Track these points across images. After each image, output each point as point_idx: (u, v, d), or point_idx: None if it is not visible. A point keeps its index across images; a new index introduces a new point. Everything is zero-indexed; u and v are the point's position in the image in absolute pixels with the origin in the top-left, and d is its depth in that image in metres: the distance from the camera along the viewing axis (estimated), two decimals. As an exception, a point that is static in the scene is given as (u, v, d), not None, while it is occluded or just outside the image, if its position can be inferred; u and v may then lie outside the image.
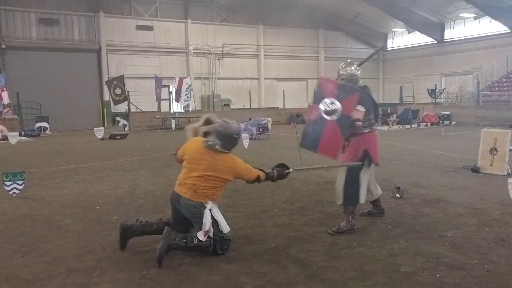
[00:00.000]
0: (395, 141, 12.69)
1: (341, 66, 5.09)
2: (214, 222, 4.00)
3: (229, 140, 4.14)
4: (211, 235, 3.97)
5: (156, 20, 27.81)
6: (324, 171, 8.58)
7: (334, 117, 4.57)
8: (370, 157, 4.86)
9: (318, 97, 4.74)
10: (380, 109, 5.34)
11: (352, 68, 5.02)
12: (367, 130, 4.86)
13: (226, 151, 4.14)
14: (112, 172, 8.95)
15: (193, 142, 4.30)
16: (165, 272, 3.68)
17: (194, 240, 3.95)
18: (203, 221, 3.95)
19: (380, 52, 35.72)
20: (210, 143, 4.12)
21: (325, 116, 4.61)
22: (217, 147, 4.10)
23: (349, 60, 5.35)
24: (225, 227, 4.03)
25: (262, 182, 4.35)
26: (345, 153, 4.89)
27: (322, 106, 4.62)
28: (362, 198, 4.84)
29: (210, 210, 4.00)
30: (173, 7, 28.41)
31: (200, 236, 3.95)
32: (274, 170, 4.38)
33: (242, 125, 16.60)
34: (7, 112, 21.07)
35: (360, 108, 4.64)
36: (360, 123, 4.71)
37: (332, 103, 4.57)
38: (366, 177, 4.89)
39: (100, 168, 9.45)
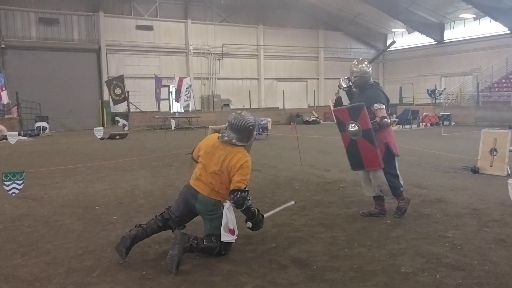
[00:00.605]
0: (395, 142, 12.68)
1: (354, 63, 5.31)
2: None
3: (244, 132, 4.11)
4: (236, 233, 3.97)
5: (156, 20, 27.81)
6: (324, 171, 8.59)
7: (360, 135, 4.93)
8: (390, 150, 5.11)
9: (341, 125, 5.15)
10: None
11: (363, 65, 5.25)
12: None
13: (243, 143, 4.12)
14: (112, 172, 8.95)
15: (207, 139, 4.31)
16: (165, 272, 3.66)
17: (204, 241, 3.94)
18: (225, 220, 3.91)
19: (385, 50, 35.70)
20: (225, 138, 4.10)
21: (354, 137, 5.01)
22: (233, 141, 4.07)
23: (360, 58, 5.52)
24: (235, 229, 4.00)
25: (242, 208, 4.02)
26: None
27: (348, 131, 5.04)
28: (402, 181, 5.27)
29: (228, 209, 3.97)
30: (173, 7, 28.41)
31: (227, 237, 3.91)
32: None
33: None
34: (11, 109, 21.17)
35: (380, 105, 4.99)
36: (387, 120, 5.02)
37: (353, 126, 4.96)
38: (397, 166, 5.27)
39: (100, 168, 9.45)
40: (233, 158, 4.00)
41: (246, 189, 3.99)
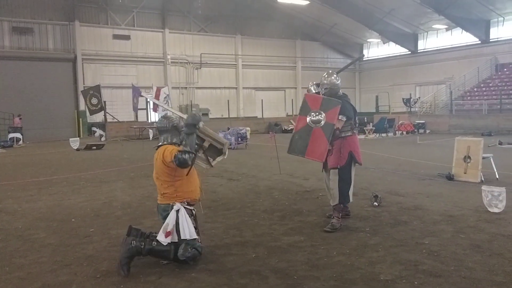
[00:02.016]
0: (372, 150, 12.86)
1: (324, 76, 5.56)
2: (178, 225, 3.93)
3: (171, 130, 4.20)
4: (183, 237, 3.87)
5: (133, 29, 27.64)
6: (303, 180, 8.63)
7: (320, 125, 5.12)
8: (354, 158, 5.33)
9: (305, 110, 5.28)
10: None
11: (333, 78, 5.49)
12: (349, 134, 5.36)
13: (175, 141, 4.14)
14: (88, 184, 8.78)
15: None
16: (144, 285, 3.61)
17: (152, 243, 3.91)
18: (167, 221, 3.90)
19: (357, 62, 36.39)
20: (159, 144, 4.20)
21: (312, 125, 5.17)
22: (168, 140, 4.16)
23: (330, 71, 5.74)
24: (188, 233, 3.89)
25: (187, 156, 3.90)
26: (331, 156, 5.29)
27: (308, 117, 5.19)
28: (351, 197, 5.44)
29: (177, 211, 3.93)
30: (150, 17, 28.30)
31: (161, 237, 3.87)
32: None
33: (221, 135, 16.61)
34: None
35: (342, 118, 5.21)
36: (338, 132, 5.22)
37: (319, 113, 5.15)
38: (353, 178, 5.42)
39: (76, 179, 9.27)
40: (157, 158, 4.08)
41: (176, 153, 3.92)
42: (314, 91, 5.65)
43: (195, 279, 3.74)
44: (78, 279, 3.78)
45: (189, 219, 3.98)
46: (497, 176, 8.17)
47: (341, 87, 5.56)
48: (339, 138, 5.24)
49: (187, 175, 4.10)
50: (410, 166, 10.07)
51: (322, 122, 5.10)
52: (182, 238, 3.88)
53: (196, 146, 4.42)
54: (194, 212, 4.17)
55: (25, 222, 5.84)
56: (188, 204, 4.11)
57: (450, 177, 8.20)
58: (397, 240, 4.67)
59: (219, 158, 4.70)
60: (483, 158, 8.12)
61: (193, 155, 4.01)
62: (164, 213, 4.05)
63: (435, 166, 9.40)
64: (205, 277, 3.77)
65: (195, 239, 3.96)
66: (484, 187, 5.94)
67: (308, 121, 5.17)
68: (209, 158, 4.63)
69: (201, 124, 4.18)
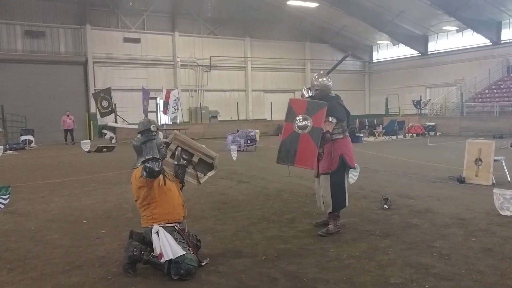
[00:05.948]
0: (382, 152, 12.81)
1: (315, 77, 5.39)
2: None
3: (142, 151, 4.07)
4: (167, 258, 3.77)
5: (143, 32, 27.85)
6: (312, 182, 8.61)
7: (307, 130, 4.87)
8: (345, 162, 5.14)
9: (290, 116, 5.02)
10: (351, 117, 5.62)
11: (324, 79, 5.30)
12: (340, 136, 5.18)
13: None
14: (99, 186, 8.86)
15: None
16: (154, 287, 3.63)
17: (150, 255, 3.92)
18: (154, 245, 3.90)
19: (366, 64, 36.32)
20: (136, 165, 4.13)
21: (298, 131, 4.91)
22: (140, 162, 4.06)
23: (321, 72, 5.59)
24: (170, 253, 3.77)
25: (152, 164, 3.83)
26: (322, 160, 5.14)
27: (295, 123, 4.94)
28: (347, 201, 5.26)
29: (157, 233, 3.89)
30: (160, 20, 28.49)
31: (157, 259, 3.88)
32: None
33: (230, 137, 16.64)
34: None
35: (332, 119, 5.01)
36: (329, 135, 5.00)
37: (305, 119, 4.90)
38: (346, 182, 5.29)
39: (87, 181, 9.35)
40: (132, 179, 4.08)
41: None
42: (307, 95, 5.47)
43: (205, 280, 3.76)
44: (90, 280, 3.83)
45: (170, 238, 3.86)
46: (509, 179, 8.09)
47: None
48: (329, 141, 5.04)
49: (164, 185, 4.00)
50: (421, 168, 10.01)
51: (309, 127, 4.85)
52: (166, 259, 3.78)
53: (185, 162, 4.44)
54: (177, 228, 4.04)
55: (37, 223, 5.91)
56: (169, 223, 4.03)
57: (461, 180, 8.14)
58: (408, 243, 4.65)
59: (210, 173, 4.61)
60: (495, 160, 8.06)
61: (159, 160, 3.88)
62: (147, 236, 4.02)
63: (445, 169, 9.32)
64: (215, 279, 3.79)
65: (183, 255, 3.80)
66: (495, 190, 5.88)
67: (294, 127, 4.93)
68: (198, 173, 4.55)
69: (153, 127, 4.07)
